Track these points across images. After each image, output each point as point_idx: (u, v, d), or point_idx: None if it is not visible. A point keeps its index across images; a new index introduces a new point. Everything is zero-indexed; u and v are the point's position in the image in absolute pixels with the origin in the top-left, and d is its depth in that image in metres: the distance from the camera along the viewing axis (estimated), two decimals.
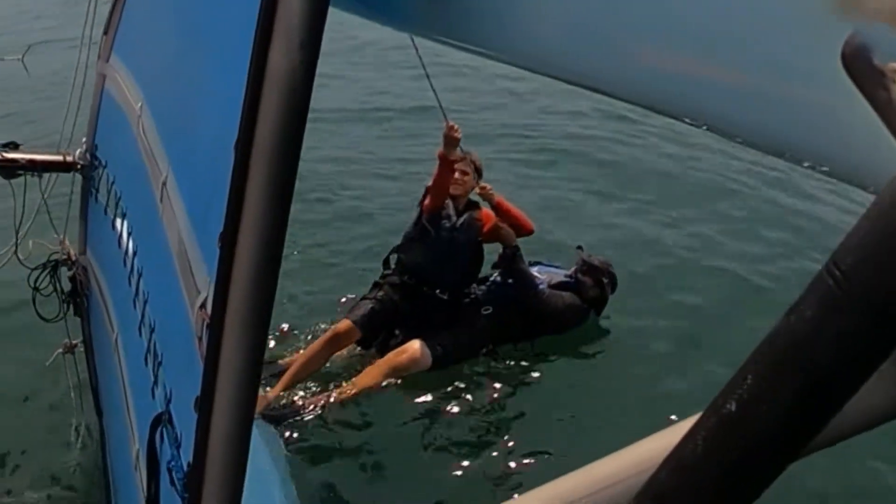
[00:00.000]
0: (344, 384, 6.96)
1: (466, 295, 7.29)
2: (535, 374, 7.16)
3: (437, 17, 1.95)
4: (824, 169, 1.09)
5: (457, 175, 7.19)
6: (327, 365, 7.19)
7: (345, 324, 7.11)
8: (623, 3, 1.37)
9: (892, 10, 0.44)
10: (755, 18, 1.10)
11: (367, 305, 7.25)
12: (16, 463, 6.33)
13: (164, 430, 2.91)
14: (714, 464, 0.59)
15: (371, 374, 6.93)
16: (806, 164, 1.12)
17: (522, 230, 7.49)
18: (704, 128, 1.29)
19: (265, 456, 4.53)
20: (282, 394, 6.87)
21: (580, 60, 1.51)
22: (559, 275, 7.66)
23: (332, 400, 6.84)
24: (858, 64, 0.58)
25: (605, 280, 7.53)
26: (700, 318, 8.13)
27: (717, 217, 10.40)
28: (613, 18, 1.39)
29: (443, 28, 1.96)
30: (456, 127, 7.02)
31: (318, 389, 7.02)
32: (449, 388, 6.88)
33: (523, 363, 7.21)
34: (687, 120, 1.33)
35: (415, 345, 6.92)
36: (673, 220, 10.28)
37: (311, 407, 6.79)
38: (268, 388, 6.71)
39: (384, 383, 6.87)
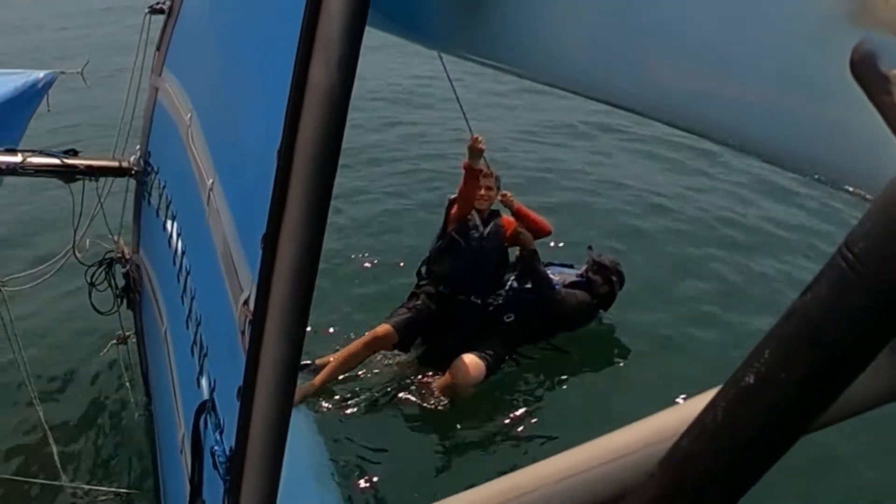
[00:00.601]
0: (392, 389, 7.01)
1: (494, 301, 7.28)
2: (552, 368, 7.18)
3: (465, 37, 1.95)
4: (821, 168, 1.08)
5: (482, 191, 7.18)
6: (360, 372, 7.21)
7: (384, 328, 7.07)
8: (640, 23, 1.35)
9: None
10: (767, 28, 1.09)
11: (405, 313, 7.23)
12: (74, 443, 6.39)
13: (207, 416, 2.92)
14: (732, 432, 0.60)
15: (439, 390, 6.93)
16: (816, 177, 1.11)
17: (541, 232, 7.51)
18: (724, 143, 1.28)
19: (303, 443, 4.53)
20: (320, 387, 6.88)
21: (598, 77, 1.50)
22: (571, 275, 7.66)
23: (374, 397, 6.89)
24: (865, 70, 0.58)
25: (615, 278, 7.54)
26: (700, 310, 8.15)
27: (721, 214, 10.35)
28: (631, 38, 1.38)
29: (470, 46, 1.96)
30: (480, 138, 7.00)
31: (358, 387, 7.04)
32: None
33: (540, 358, 7.21)
34: (708, 136, 1.32)
35: (475, 365, 6.83)
36: (674, 217, 10.26)
37: (351, 399, 6.83)
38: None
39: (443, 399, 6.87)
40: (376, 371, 7.23)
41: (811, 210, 10.44)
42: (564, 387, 7.03)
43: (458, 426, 6.63)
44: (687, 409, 0.68)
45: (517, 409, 6.75)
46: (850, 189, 1.04)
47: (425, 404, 6.77)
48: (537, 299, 7.23)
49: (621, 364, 7.36)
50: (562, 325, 7.37)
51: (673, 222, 10.24)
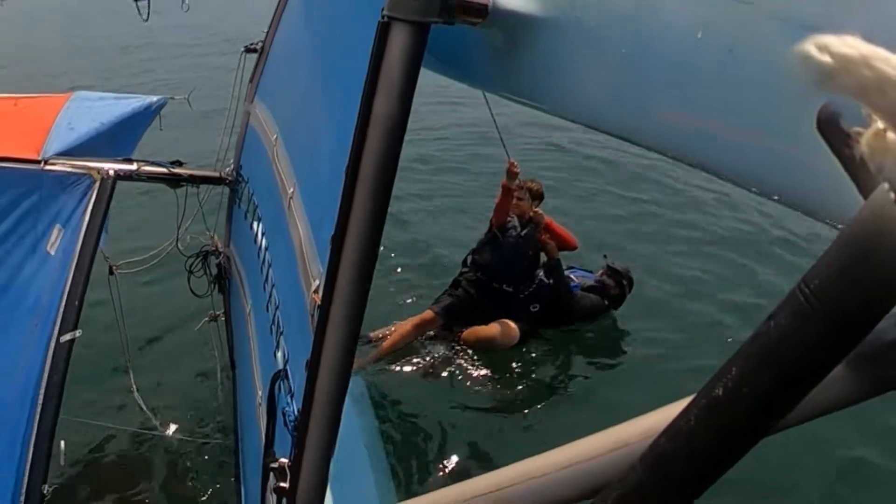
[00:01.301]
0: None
1: (523, 291, 7.28)
2: (569, 349, 7.23)
3: (504, 78, 1.96)
4: (793, 202, 1.09)
5: (514, 201, 7.20)
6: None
7: (429, 313, 7.17)
8: (643, 76, 1.36)
9: (856, 85, 0.44)
10: (753, 88, 1.09)
11: (448, 300, 7.29)
12: (169, 400, 6.48)
13: (281, 383, 2.94)
14: (702, 435, 0.60)
15: (477, 333, 7.03)
16: (775, 198, 1.12)
17: (567, 246, 7.53)
18: (701, 169, 1.29)
19: (356, 407, 4.53)
20: (374, 361, 6.96)
21: (608, 115, 1.51)
22: (590, 278, 7.68)
23: (416, 370, 6.92)
24: (829, 127, 0.59)
25: (625, 282, 7.58)
26: (697, 315, 8.08)
27: (721, 234, 10.26)
28: (638, 86, 1.39)
29: (507, 87, 1.96)
30: (515, 163, 7.10)
31: (403, 361, 7.06)
32: (507, 363, 6.91)
33: (559, 339, 7.24)
34: (688, 163, 1.32)
35: (513, 327, 6.97)
36: (682, 236, 10.20)
37: (397, 371, 6.87)
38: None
39: (478, 351, 6.98)
40: (420, 348, 7.23)
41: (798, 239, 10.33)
42: (576, 364, 7.07)
43: (486, 395, 6.66)
44: (665, 413, 0.69)
45: (538, 381, 6.80)
46: (826, 220, 1.04)
47: (460, 377, 6.78)
48: (557, 296, 7.26)
49: (623, 349, 7.39)
50: (574, 320, 7.38)
51: (681, 239, 10.17)
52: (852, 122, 0.54)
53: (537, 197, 7.37)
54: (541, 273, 7.41)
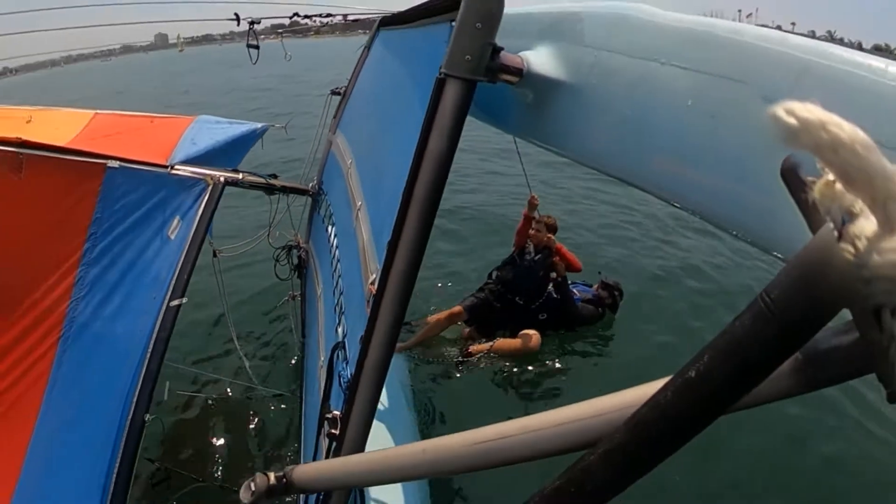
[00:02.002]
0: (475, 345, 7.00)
1: (534, 303, 7.26)
2: (572, 349, 7.15)
3: (531, 127, 1.96)
4: (757, 238, 1.09)
5: (531, 232, 7.22)
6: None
7: (458, 308, 7.16)
8: (643, 133, 1.36)
9: (814, 144, 0.45)
10: (731, 147, 1.09)
11: (473, 300, 7.27)
12: (254, 359, 6.53)
13: (339, 352, 2.94)
14: (676, 407, 0.60)
15: (509, 346, 6.89)
16: (745, 238, 1.13)
17: (573, 268, 7.46)
18: (689, 211, 1.29)
19: (395, 378, 4.53)
20: (414, 345, 7.00)
21: (613, 162, 1.51)
22: (588, 292, 7.65)
23: (443, 354, 6.91)
24: (791, 175, 0.58)
25: (616, 293, 7.57)
26: (677, 315, 8.04)
27: (700, 252, 10.16)
28: (637, 140, 1.39)
29: (534, 134, 1.96)
30: (536, 196, 7.18)
31: (435, 346, 7.08)
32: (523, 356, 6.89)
33: (565, 343, 7.21)
34: (675, 204, 1.32)
35: (538, 337, 6.86)
36: (669, 252, 10.14)
37: (430, 354, 6.90)
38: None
39: (508, 356, 6.86)
40: (448, 337, 7.22)
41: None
42: (578, 358, 6.99)
43: (500, 376, 6.61)
44: (648, 388, 0.69)
45: (546, 369, 6.74)
46: (776, 253, 1.04)
47: (482, 364, 6.73)
48: (562, 307, 7.23)
49: (614, 346, 7.33)
50: (576, 325, 7.34)
51: (667, 253, 10.10)
52: (809, 172, 0.55)
53: (552, 230, 7.32)
54: (550, 290, 7.38)
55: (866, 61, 0.97)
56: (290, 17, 6.25)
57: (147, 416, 3.50)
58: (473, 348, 6.86)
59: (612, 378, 6.54)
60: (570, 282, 7.49)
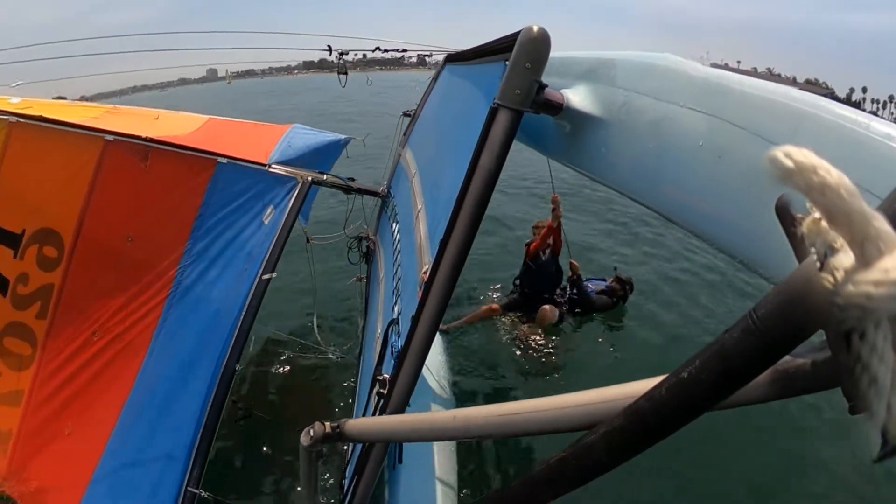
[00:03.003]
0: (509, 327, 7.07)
1: (555, 292, 7.24)
2: (587, 332, 7.14)
3: (566, 152, 1.95)
4: (750, 262, 1.07)
5: (537, 240, 7.18)
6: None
7: (496, 305, 7.21)
8: (659, 162, 1.34)
9: (805, 185, 0.45)
10: (734, 183, 1.07)
11: (507, 300, 7.31)
12: (326, 324, 6.65)
13: (393, 327, 2.97)
14: (669, 402, 0.60)
15: (528, 325, 6.96)
16: (740, 261, 1.11)
17: (557, 244, 7.31)
18: (693, 234, 1.27)
19: (436, 353, 4.54)
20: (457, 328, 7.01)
21: (632, 186, 1.49)
22: (601, 285, 7.57)
23: (481, 339, 6.91)
24: (783, 212, 0.57)
25: (628, 287, 7.48)
26: (680, 308, 7.96)
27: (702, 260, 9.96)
28: (655, 169, 1.37)
29: (568, 158, 1.95)
30: (557, 196, 6.97)
31: (473, 332, 7.08)
32: (547, 337, 6.85)
33: (582, 327, 7.21)
34: (682, 227, 1.31)
35: (552, 309, 6.92)
36: (674, 254, 9.99)
37: (469, 338, 6.90)
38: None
39: (538, 330, 6.90)
40: (484, 326, 7.22)
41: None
42: (593, 340, 6.99)
43: (527, 355, 6.58)
44: (646, 384, 0.68)
45: (566, 348, 6.72)
46: (767, 277, 1.01)
47: (512, 345, 6.73)
48: (581, 300, 7.17)
49: (626, 328, 7.30)
50: (596, 309, 7.32)
51: (673, 256, 9.93)
52: (799, 209, 0.54)
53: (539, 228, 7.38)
54: (566, 284, 7.34)
55: (854, 116, 0.96)
56: (373, 50, 6.33)
57: (237, 366, 3.59)
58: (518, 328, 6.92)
59: (618, 360, 6.55)
60: (585, 277, 7.45)
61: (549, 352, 6.64)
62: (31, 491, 3.59)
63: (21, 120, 4.15)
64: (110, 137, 4.03)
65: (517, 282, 7.49)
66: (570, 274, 7.37)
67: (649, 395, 0.62)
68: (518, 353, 6.64)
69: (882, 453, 0.48)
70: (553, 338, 6.83)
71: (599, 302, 7.31)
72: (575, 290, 7.26)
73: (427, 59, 6.29)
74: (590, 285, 7.43)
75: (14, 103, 4.74)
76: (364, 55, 6.96)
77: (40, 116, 4.19)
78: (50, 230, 4.01)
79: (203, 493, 3.39)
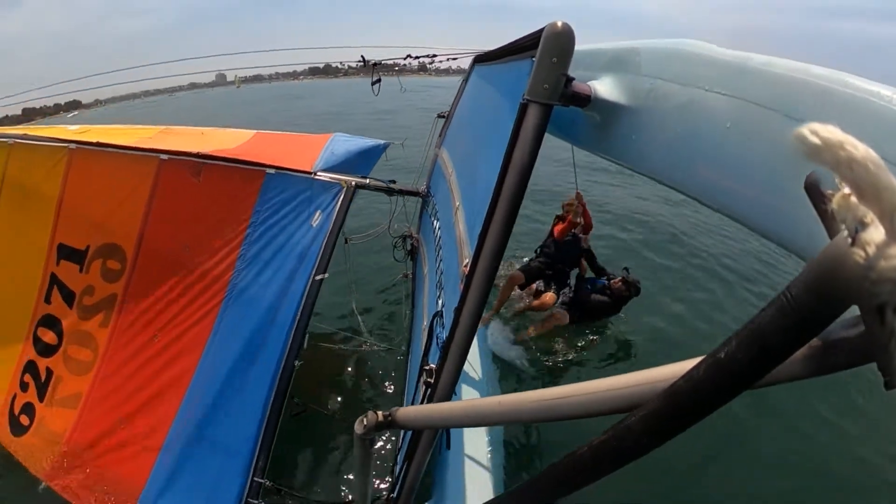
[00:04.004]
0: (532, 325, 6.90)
1: (569, 269, 7.19)
2: (597, 331, 6.99)
3: (597, 142, 1.92)
4: (783, 241, 1.04)
5: (576, 221, 7.00)
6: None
7: (518, 274, 7.00)
8: (691, 145, 1.32)
9: (833, 161, 0.44)
10: (766, 164, 1.04)
11: (527, 266, 7.13)
12: (375, 323, 6.68)
13: (438, 319, 2.98)
14: (706, 382, 0.58)
15: (548, 323, 6.77)
16: (773, 240, 1.08)
17: (588, 223, 7.18)
18: (726, 215, 1.24)
19: (481, 341, 4.54)
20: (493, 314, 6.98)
21: (665, 170, 1.47)
22: (600, 283, 7.05)
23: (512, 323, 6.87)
24: (813, 189, 0.56)
25: (633, 290, 6.89)
26: (686, 306, 7.83)
27: (713, 253, 9.72)
28: (685, 153, 1.34)
29: (600, 147, 1.92)
30: (581, 194, 6.95)
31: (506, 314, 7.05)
32: (569, 339, 6.74)
33: (593, 328, 7.03)
34: (716, 209, 1.28)
35: (565, 315, 6.73)
36: (683, 255, 9.75)
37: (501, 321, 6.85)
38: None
39: (550, 329, 6.74)
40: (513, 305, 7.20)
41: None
42: (603, 337, 6.89)
43: (552, 349, 6.55)
44: (684, 365, 0.67)
45: (579, 348, 6.64)
46: (800, 255, 0.98)
47: (534, 339, 6.64)
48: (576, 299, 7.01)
49: (632, 330, 7.11)
50: (593, 314, 6.97)
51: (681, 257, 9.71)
52: (828, 186, 0.53)
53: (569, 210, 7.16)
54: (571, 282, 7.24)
55: (878, 89, 0.92)
56: (404, 58, 6.36)
57: (297, 362, 3.66)
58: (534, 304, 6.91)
59: (633, 354, 6.54)
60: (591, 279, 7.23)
61: (578, 344, 6.61)
62: (78, 486, 3.69)
63: (80, 146, 4.33)
64: (164, 156, 4.18)
65: (539, 250, 7.36)
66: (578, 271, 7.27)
67: (687, 376, 0.61)
68: (538, 345, 6.58)
69: None
70: (573, 340, 6.73)
71: (596, 304, 6.92)
72: (574, 290, 7.09)
73: (428, 65, 6.27)
74: (588, 286, 7.09)
75: (72, 130, 4.94)
76: (395, 63, 6.97)
77: (98, 142, 4.36)
78: (113, 245, 4.18)
79: (267, 483, 3.47)
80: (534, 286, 7.25)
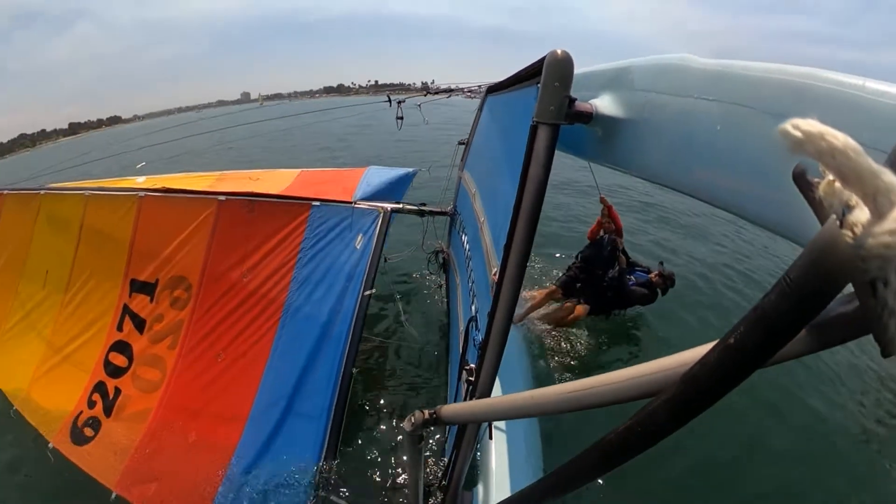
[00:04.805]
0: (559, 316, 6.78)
1: (607, 273, 6.87)
2: (630, 321, 6.87)
3: (601, 154, 1.91)
4: (780, 229, 1.02)
5: (605, 223, 6.91)
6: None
7: (554, 287, 6.89)
8: (688, 151, 1.30)
9: (816, 152, 0.44)
10: (757, 159, 1.03)
11: (564, 278, 6.99)
12: (416, 327, 6.58)
13: (472, 323, 2.97)
14: (721, 366, 0.58)
15: (571, 316, 6.65)
16: (770, 229, 1.05)
17: (618, 225, 7.00)
18: (725, 209, 1.22)
19: (514, 341, 4.50)
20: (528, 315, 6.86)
21: (665, 174, 1.45)
22: (644, 278, 6.94)
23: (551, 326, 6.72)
24: (800, 179, 0.55)
25: (669, 283, 6.81)
26: (710, 294, 7.65)
27: (731, 251, 9.48)
28: (682, 157, 1.32)
29: (605, 158, 1.91)
30: (605, 198, 6.83)
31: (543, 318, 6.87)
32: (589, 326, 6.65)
33: (626, 319, 6.93)
34: (716, 206, 1.25)
35: (583, 308, 6.59)
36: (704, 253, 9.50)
37: (540, 324, 6.72)
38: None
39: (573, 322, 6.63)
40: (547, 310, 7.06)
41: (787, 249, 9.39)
42: (639, 327, 6.75)
43: (581, 341, 6.43)
44: (698, 351, 0.66)
45: (604, 339, 6.52)
46: (796, 242, 0.97)
47: (565, 336, 6.52)
48: (619, 287, 6.79)
49: (663, 320, 6.94)
50: (632, 303, 6.86)
51: (702, 253, 9.49)
52: (814, 175, 0.52)
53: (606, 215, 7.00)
54: (613, 273, 7.00)
55: (849, 80, 0.90)
56: (424, 94, 6.43)
57: (354, 370, 3.69)
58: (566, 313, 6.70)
59: (654, 344, 6.34)
60: (630, 270, 7.05)
61: (603, 339, 6.47)
62: (151, 495, 3.66)
63: (148, 193, 4.49)
64: (222, 197, 4.30)
65: (579, 256, 7.21)
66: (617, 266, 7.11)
67: (702, 361, 0.60)
68: (569, 337, 6.44)
69: None
70: (600, 328, 6.60)
71: (638, 294, 6.81)
72: (618, 282, 6.88)
73: (447, 97, 6.34)
74: (632, 278, 6.96)
75: (140, 182, 5.15)
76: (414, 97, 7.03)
77: (164, 188, 4.51)
78: (179, 276, 4.31)
79: (333, 479, 3.48)
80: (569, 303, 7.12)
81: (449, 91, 6.15)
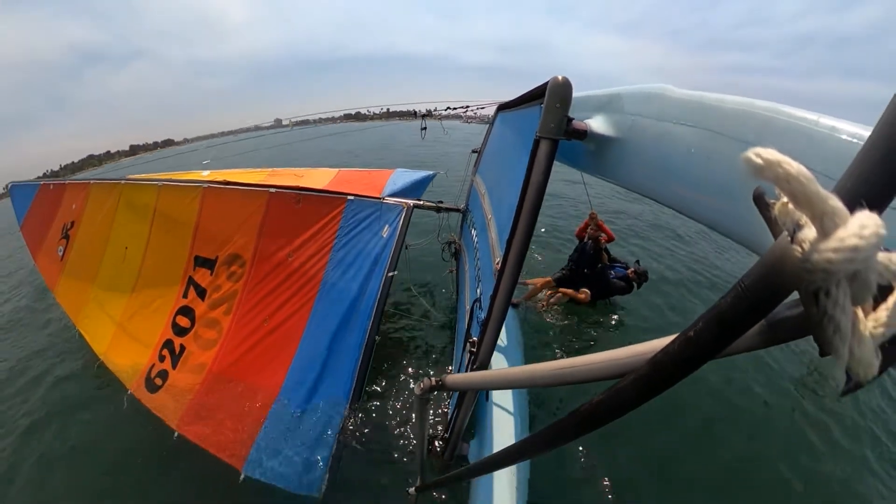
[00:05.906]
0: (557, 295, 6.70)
1: (592, 271, 6.78)
2: (612, 309, 6.74)
3: (593, 166, 1.89)
4: (741, 241, 1.01)
5: (590, 231, 6.86)
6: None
7: (549, 279, 6.76)
8: (665, 167, 1.28)
9: (773, 177, 0.44)
10: (723, 180, 1.01)
11: (559, 274, 6.89)
12: (427, 302, 6.60)
13: (477, 303, 2.96)
14: (681, 354, 0.57)
15: (581, 296, 6.55)
16: (733, 239, 1.03)
17: (609, 237, 7.00)
18: (695, 220, 1.20)
19: (511, 321, 4.49)
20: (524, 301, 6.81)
21: (648, 186, 1.43)
22: (622, 272, 6.75)
23: (546, 304, 6.64)
24: (759, 199, 0.54)
25: (642, 278, 6.63)
26: (681, 291, 7.41)
27: (696, 251, 9.32)
28: (661, 172, 1.30)
29: (595, 170, 1.89)
30: (595, 213, 6.80)
31: (540, 304, 6.79)
32: (587, 313, 6.54)
33: (608, 307, 6.80)
34: (688, 216, 1.23)
35: (586, 292, 6.44)
36: (675, 250, 9.35)
37: (539, 307, 6.67)
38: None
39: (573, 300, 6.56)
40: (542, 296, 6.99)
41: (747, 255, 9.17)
42: (616, 315, 6.57)
43: (572, 326, 6.33)
44: (663, 341, 0.65)
45: (595, 320, 6.41)
46: (755, 251, 0.95)
47: (560, 317, 6.46)
48: (602, 279, 6.67)
49: (638, 308, 6.82)
50: (612, 294, 6.71)
51: (675, 252, 9.35)
52: (771, 196, 0.51)
53: (596, 223, 6.96)
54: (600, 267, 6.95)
55: (806, 115, 0.88)
56: (445, 110, 6.40)
57: (377, 338, 3.71)
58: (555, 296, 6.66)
59: (630, 329, 6.22)
60: (612, 265, 6.95)
61: (587, 322, 6.34)
62: (203, 431, 3.70)
63: (211, 185, 4.53)
64: (273, 190, 4.34)
65: (570, 257, 7.15)
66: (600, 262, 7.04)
67: (665, 349, 0.60)
68: (562, 322, 6.33)
69: (846, 389, 0.46)
70: (592, 313, 6.49)
71: (618, 286, 6.68)
72: (600, 273, 6.79)
73: (463, 114, 6.27)
74: (613, 272, 6.83)
75: (205, 175, 5.22)
76: (437, 108, 6.98)
77: (224, 181, 4.56)
78: (235, 254, 4.35)
79: (353, 427, 3.50)
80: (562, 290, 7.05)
81: (466, 107, 6.08)
